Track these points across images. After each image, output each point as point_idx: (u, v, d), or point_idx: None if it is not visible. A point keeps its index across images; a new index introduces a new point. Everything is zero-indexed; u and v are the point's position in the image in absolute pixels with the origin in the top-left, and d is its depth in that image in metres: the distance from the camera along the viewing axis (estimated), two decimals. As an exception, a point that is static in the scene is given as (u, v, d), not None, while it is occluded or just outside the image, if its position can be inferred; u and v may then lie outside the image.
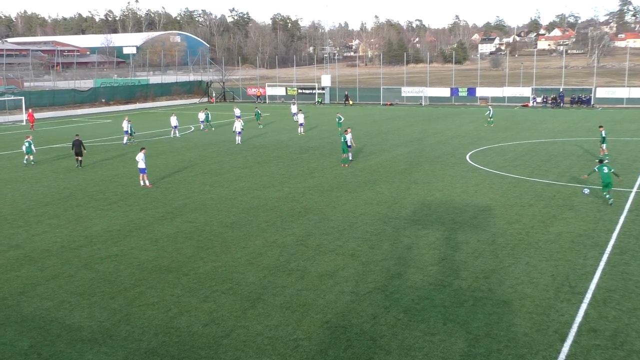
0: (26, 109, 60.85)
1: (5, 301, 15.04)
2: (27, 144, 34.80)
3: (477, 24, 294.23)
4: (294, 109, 58.32)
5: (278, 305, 14.39)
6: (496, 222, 20.99)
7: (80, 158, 33.87)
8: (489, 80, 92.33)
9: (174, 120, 46.65)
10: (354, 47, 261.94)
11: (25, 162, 35.03)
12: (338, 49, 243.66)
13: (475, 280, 15.74)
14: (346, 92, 79.59)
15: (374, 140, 42.42)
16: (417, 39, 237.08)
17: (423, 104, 74.99)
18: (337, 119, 47.43)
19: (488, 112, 52.01)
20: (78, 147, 33.83)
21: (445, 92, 76.45)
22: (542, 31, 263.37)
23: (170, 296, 15.09)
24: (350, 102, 77.90)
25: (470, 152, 36.36)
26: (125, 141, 42.81)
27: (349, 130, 34.11)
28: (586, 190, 24.81)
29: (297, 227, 20.85)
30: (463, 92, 75.12)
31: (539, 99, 70.70)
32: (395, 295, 14.84)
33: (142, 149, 28.87)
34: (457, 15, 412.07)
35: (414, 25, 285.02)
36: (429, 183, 27.75)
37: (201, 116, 50.72)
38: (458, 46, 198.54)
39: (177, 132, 46.76)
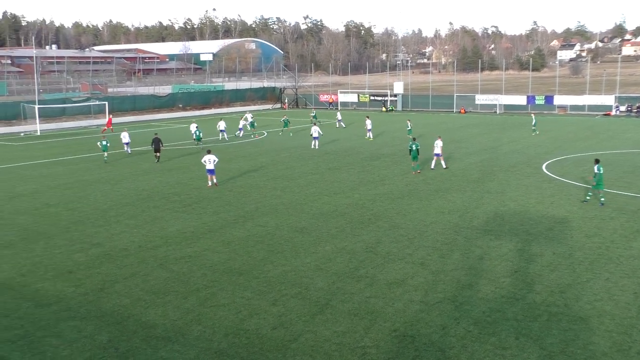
0: (109, 113, 63.59)
1: (86, 296, 15.71)
2: (104, 142, 38.31)
3: (557, 30, 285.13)
4: (338, 115, 59.00)
5: (346, 312, 14.37)
6: (573, 235, 20.24)
7: (158, 154, 37.35)
8: (568, 88, 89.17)
9: (221, 125, 48.53)
10: (427, 53, 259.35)
11: (105, 159, 38.38)
12: (411, 55, 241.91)
13: (550, 294, 15.22)
14: (384, 99, 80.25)
15: (446, 149, 41.68)
16: (492, 46, 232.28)
17: (497, 112, 73.32)
18: (407, 126, 47.13)
19: (533, 121, 50.58)
20: (157, 144, 37.31)
21: (521, 100, 74.41)
22: (627, 36, 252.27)
23: (240, 298, 15.34)
24: (384, 109, 78.18)
25: (547, 162, 35.24)
26: (197, 143, 44.74)
27: (439, 138, 34.15)
28: None
29: (366, 234, 20.79)
30: (540, 100, 72.89)
31: (622, 108, 67.64)
32: (465, 307, 14.55)
33: (209, 151, 29.99)
34: (535, 21, 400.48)
35: (489, 31, 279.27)
36: (502, 193, 27.10)
37: (241, 123, 52.18)
38: (536, 53, 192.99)
39: (225, 135, 48.39)
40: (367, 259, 18.14)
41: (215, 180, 29.80)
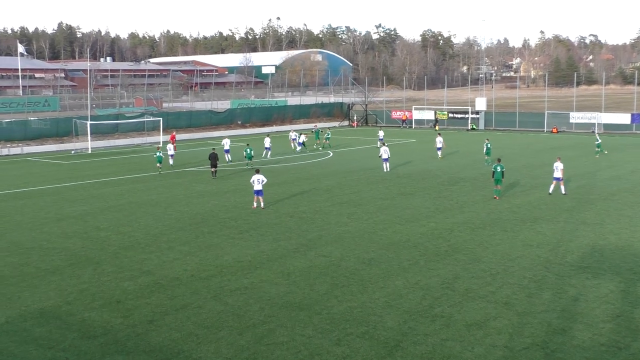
0: (164, 130, 65.37)
1: (134, 329, 16.08)
2: (158, 154, 43.09)
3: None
4: (380, 134, 59.26)
5: (419, 356, 14.14)
6: (687, 275, 19.31)
7: (214, 170, 40.31)
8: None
9: (267, 142, 51.88)
10: (514, 66, 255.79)
11: (159, 171, 43.13)
12: (496, 68, 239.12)
13: (658, 344, 14.52)
14: (436, 116, 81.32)
15: (535, 173, 40.89)
16: (590, 57, 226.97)
17: (596, 131, 71.25)
18: (485, 146, 46.16)
19: (597, 141, 50.28)
20: (214, 160, 40.40)
21: (624, 118, 72.04)
22: None
23: (300, 336, 15.35)
24: (474, 126, 78.18)
25: (655, 190, 33.93)
26: (265, 155, 50.02)
27: (558, 159, 33.95)
28: None
29: (442, 268, 20.51)
30: (647, 119, 70.37)
31: None
32: (557, 354, 14.06)
33: (257, 170, 31.12)
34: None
35: (587, 40, 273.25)
36: (601, 224, 26.22)
37: (302, 137, 55.70)
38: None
39: (268, 154, 51.27)
40: (443, 296, 17.86)
41: (262, 203, 30.66)
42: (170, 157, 47.00)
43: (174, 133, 60.27)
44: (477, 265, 20.84)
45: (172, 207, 31.81)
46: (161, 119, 67.59)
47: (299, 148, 54.63)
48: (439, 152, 49.26)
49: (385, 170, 42.23)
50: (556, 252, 22.15)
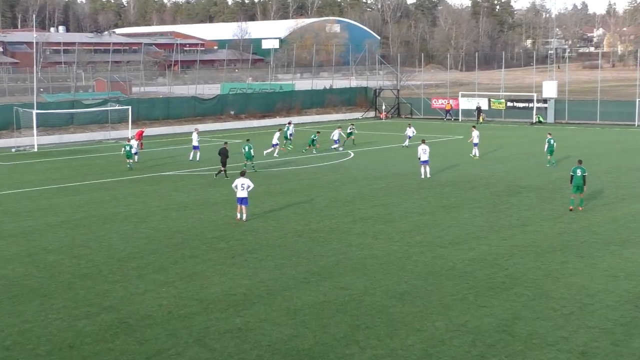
0: (133, 122, 65.35)
1: (91, 382, 16.12)
2: (127, 148, 45.93)
3: None
4: (410, 132, 58.70)
5: (466, 421, 14.08)
6: None
7: (224, 169, 42.20)
8: None
9: (335, 134, 55.10)
10: (595, 39, 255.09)
11: (128, 166, 46.57)
12: (570, 42, 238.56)
13: None
14: (478, 104, 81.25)
15: (622, 181, 40.67)
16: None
17: None
18: (546, 142, 46.14)
19: None
20: (224, 157, 42.30)
21: None
22: None
23: (310, 394, 15.32)
24: (482, 119, 78.61)
25: None
26: (272, 152, 51.59)
27: None
28: None
29: (498, 306, 20.43)
30: None
31: None
32: (651, 422, 13.95)
33: (242, 173, 32.03)
34: None
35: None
36: None
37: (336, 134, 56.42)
38: None
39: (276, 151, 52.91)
40: (499, 343, 17.81)
41: (244, 215, 31.54)
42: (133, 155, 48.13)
43: (143, 129, 60.42)
44: (544, 302, 20.73)
45: (145, 222, 31.90)
46: (130, 107, 66.95)
47: (335, 145, 55.80)
48: (476, 150, 50.69)
49: (423, 175, 42.15)
50: (650, 286, 22.05)
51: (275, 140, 52.62)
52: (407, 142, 57.01)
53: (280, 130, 55.03)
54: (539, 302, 20.75)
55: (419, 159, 42.79)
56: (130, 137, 53.79)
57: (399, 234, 29.11)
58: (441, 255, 25.76)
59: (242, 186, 31.04)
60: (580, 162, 33.37)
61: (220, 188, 39.80)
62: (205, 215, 33.24)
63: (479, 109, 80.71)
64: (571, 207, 32.51)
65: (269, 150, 52.56)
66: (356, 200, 36.07)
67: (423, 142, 44.23)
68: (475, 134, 51.01)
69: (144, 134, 59.41)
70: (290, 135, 56.79)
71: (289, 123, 60.36)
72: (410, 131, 57.81)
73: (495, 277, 23.19)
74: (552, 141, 46.02)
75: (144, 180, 42.89)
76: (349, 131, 58.78)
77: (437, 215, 32.44)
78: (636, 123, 73.94)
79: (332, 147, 55.48)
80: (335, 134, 55.90)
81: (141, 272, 24.28)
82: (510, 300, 20.90)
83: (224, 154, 42.35)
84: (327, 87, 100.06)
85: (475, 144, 50.88)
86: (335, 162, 49.70)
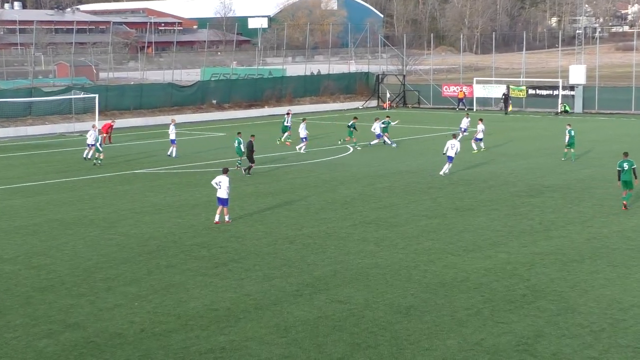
0: (101, 112, 65.20)
1: (54, 410, 16.18)
2: (96, 138, 47.30)
3: None
4: (464, 123, 58.50)
5: None
6: None
7: (252, 164, 43.33)
8: None
9: (302, 131, 53.04)
10: (629, 17, 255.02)
11: (85, 156, 48.11)
12: (601, 20, 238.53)
13: None
14: (505, 91, 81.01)
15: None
16: None
17: None
18: (567, 134, 46.44)
19: None
20: (250, 151, 43.20)
21: None
22: None
23: (304, 423, 15.39)
24: (510, 108, 78.87)
25: None
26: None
27: None
28: None
29: (518, 322, 20.51)
30: None
31: None
32: None
33: (225, 170, 32.09)
34: None
35: None
36: None
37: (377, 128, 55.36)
38: None
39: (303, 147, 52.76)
40: (520, 365, 17.85)
41: (227, 216, 31.85)
42: (88, 146, 48.56)
43: (112, 122, 59.97)
44: (570, 317, 20.80)
45: (115, 227, 31.91)
46: (97, 96, 66.77)
47: (374, 141, 55.51)
48: (481, 144, 51.75)
49: (443, 172, 42.07)
50: (691, 299, 22.16)
51: (303, 133, 52.39)
52: (471, 135, 56.34)
53: (304, 120, 55.06)
54: (565, 317, 20.81)
55: (445, 154, 42.64)
56: (95, 124, 53.98)
57: (405, 240, 29.19)
58: (453, 265, 25.83)
59: (218, 184, 31.20)
60: (626, 154, 33.45)
61: (201, 188, 39.82)
62: (183, 219, 33.27)
63: (506, 97, 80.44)
64: (625, 203, 33.11)
65: (302, 145, 52.45)
66: (356, 202, 36.14)
67: (454, 137, 44.18)
68: (480, 127, 51.66)
69: (113, 127, 59.19)
70: (289, 127, 57.12)
71: (288, 113, 60.35)
72: (465, 122, 57.26)
73: (515, 289, 23.25)
74: (572, 132, 46.23)
75: (113, 180, 42.86)
76: (387, 121, 57.45)
77: (448, 219, 32.52)
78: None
79: (372, 143, 55.15)
80: (377, 127, 55.16)
81: (110, 285, 24.29)
82: (532, 316, 20.96)
83: (250, 148, 43.01)
84: (318, 72, 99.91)
85: (479, 139, 51.72)
86: (332, 158, 49.71)
